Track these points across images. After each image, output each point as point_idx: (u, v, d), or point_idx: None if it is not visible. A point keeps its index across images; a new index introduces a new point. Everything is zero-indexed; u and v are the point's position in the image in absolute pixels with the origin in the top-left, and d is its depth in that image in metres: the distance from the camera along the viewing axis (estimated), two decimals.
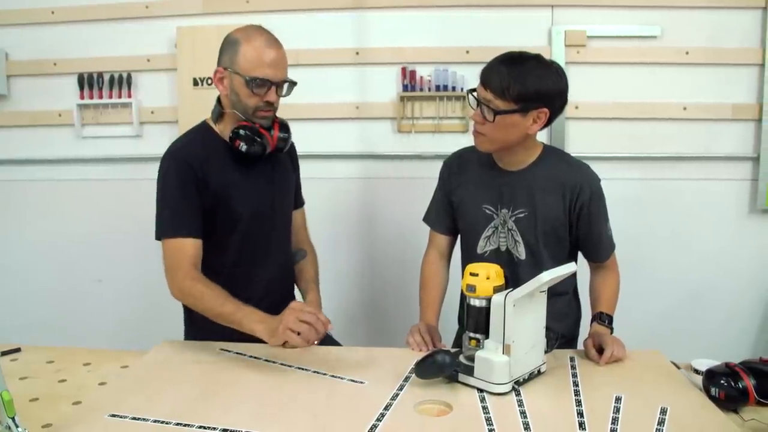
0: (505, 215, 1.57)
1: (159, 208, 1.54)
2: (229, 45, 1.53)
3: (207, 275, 1.50)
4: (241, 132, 1.53)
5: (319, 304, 1.70)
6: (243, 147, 1.52)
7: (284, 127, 1.62)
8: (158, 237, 1.54)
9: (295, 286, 1.81)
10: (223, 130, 1.59)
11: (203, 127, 1.63)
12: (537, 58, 1.45)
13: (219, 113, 1.59)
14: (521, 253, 1.57)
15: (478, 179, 1.61)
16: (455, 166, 1.68)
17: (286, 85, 1.56)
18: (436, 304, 1.67)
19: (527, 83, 1.41)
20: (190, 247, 1.50)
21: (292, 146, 1.76)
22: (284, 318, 1.36)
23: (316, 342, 1.40)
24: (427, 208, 1.75)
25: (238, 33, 1.53)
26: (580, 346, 1.55)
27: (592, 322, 1.55)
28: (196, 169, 1.52)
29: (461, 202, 1.64)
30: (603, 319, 1.53)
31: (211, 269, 1.55)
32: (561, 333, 1.44)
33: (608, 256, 1.63)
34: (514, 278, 1.41)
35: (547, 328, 1.33)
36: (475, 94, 1.48)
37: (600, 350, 1.42)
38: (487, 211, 1.59)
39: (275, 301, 1.54)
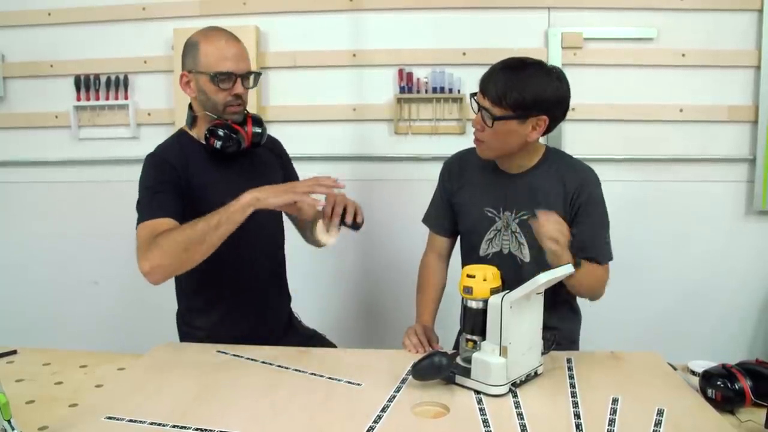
0: (507, 218, 1.56)
1: (138, 202, 1.51)
2: (190, 47, 1.54)
3: (195, 282, 1.47)
4: (214, 130, 1.53)
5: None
6: (218, 144, 1.52)
7: (257, 121, 1.61)
8: (136, 226, 1.48)
9: (288, 289, 1.80)
10: (198, 133, 1.60)
11: (180, 133, 1.64)
12: (537, 65, 1.44)
13: (192, 118, 1.60)
14: (525, 255, 1.56)
15: (480, 181, 1.60)
16: (456, 168, 1.67)
17: (251, 77, 1.56)
18: (433, 306, 1.66)
19: (524, 91, 1.40)
20: (164, 224, 1.42)
21: (279, 145, 1.76)
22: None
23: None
24: (427, 210, 1.74)
25: (196, 35, 1.55)
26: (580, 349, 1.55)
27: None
28: (178, 169, 1.52)
29: (463, 204, 1.63)
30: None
31: (198, 273, 1.53)
32: (561, 336, 1.43)
33: (602, 263, 1.55)
34: (518, 281, 1.34)
35: (545, 330, 1.33)
36: (476, 99, 1.48)
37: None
38: (489, 214, 1.58)
39: (267, 301, 1.53)
